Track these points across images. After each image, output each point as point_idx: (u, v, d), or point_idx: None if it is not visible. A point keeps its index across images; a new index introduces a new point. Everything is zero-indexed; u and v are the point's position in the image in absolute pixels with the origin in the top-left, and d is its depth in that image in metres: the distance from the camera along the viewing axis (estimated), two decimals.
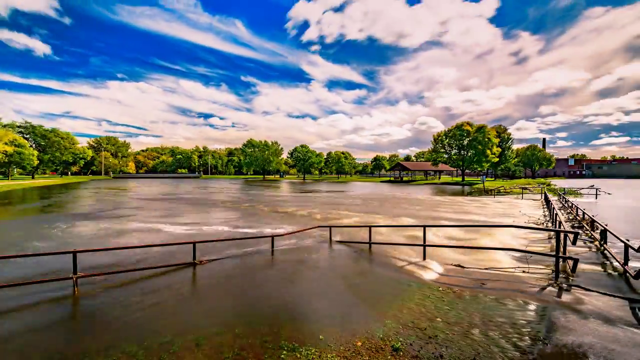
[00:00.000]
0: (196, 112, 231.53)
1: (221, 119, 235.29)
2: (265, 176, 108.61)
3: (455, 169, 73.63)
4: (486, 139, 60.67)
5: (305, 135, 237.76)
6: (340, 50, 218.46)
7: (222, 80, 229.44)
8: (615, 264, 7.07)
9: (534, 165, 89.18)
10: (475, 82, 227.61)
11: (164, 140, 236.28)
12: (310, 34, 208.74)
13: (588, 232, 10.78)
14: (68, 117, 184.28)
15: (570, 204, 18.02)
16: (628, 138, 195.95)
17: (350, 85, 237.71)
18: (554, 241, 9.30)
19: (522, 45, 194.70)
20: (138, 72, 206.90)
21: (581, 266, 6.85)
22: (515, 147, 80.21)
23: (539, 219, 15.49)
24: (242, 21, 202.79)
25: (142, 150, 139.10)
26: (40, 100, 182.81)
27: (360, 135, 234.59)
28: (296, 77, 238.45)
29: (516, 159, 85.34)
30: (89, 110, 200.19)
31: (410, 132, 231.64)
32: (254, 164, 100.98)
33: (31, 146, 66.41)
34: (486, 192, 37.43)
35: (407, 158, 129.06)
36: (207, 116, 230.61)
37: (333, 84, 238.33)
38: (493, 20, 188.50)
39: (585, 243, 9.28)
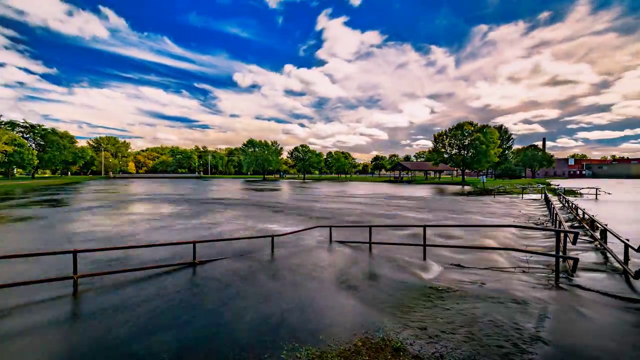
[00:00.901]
0: (169, 115, 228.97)
1: (195, 121, 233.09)
2: (266, 176, 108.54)
3: (455, 169, 73.56)
4: (489, 139, 60.65)
5: (284, 137, 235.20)
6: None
7: (181, 87, 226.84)
8: (616, 264, 7.06)
9: (534, 165, 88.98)
10: (409, 91, 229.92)
11: (146, 142, 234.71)
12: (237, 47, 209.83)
13: (588, 232, 10.77)
14: (49, 120, 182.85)
15: (570, 204, 18.02)
16: (554, 143, 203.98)
17: (300, 92, 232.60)
18: (554, 241, 9.29)
19: (436, 56, 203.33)
20: (96, 81, 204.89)
21: (581, 266, 6.85)
22: (515, 147, 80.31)
23: (539, 219, 15.49)
24: (169, 37, 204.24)
25: (142, 150, 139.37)
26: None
27: (320, 138, 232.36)
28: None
29: (517, 159, 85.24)
30: (64, 114, 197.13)
31: (370, 138, 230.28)
32: (254, 163, 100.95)
33: (30, 146, 66.43)
34: (486, 192, 37.43)
35: (407, 158, 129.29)
36: (182, 119, 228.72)
37: (285, 90, 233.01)
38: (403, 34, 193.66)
39: (585, 243, 9.28)
